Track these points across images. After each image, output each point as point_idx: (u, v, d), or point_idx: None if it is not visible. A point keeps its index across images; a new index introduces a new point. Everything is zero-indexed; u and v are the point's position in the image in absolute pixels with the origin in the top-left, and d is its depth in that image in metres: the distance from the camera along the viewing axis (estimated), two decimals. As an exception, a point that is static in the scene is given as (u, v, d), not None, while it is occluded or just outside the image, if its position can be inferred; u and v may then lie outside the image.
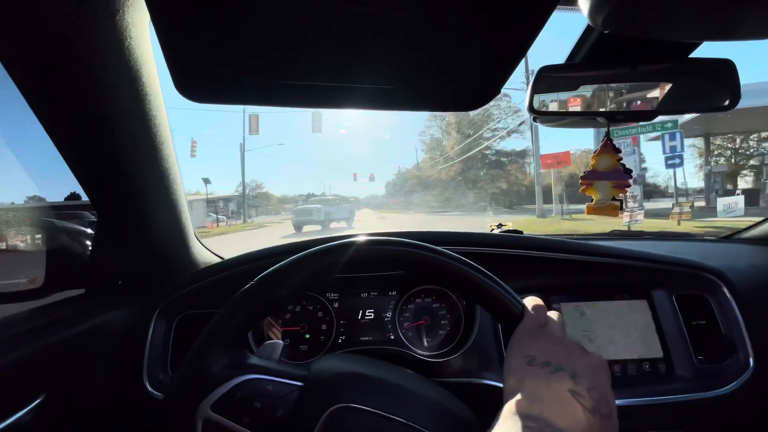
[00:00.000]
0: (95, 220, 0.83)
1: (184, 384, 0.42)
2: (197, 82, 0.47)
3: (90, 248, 0.83)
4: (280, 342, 0.51)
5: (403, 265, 0.49)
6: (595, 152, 0.82)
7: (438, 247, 0.49)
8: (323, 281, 0.48)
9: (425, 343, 0.85)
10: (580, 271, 0.85)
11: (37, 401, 0.58)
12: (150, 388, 0.70)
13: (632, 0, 0.48)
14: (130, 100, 0.64)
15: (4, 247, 0.85)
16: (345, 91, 0.53)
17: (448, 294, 0.89)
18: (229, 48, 0.44)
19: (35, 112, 0.60)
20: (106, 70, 0.57)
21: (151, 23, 0.58)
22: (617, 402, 0.70)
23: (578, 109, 0.74)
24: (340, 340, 0.85)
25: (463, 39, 0.51)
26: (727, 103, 0.67)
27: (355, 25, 0.46)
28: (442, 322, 0.87)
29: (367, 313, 0.87)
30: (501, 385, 0.52)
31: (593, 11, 0.52)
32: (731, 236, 1.34)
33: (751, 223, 1.28)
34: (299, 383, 0.44)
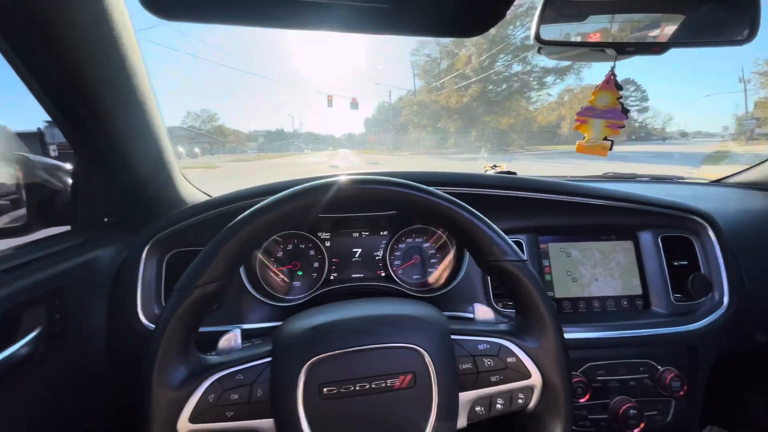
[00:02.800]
0: (73, 154, 0.79)
1: (155, 409, 0.41)
2: None
3: (71, 184, 0.80)
4: (236, 330, 0.51)
5: (387, 205, 0.48)
6: (596, 87, 0.79)
7: (422, 185, 0.48)
8: (306, 220, 0.46)
9: (414, 280, 0.87)
10: (570, 213, 0.85)
11: (34, 334, 0.59)
12: (146, 321, 0.72)
13: None
14: (94, 24, 0.58)
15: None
16: (333, 9, 0.48)
17: (440, 234, 0.89)
18: None
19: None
20: None
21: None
22: (594, 335, 0.75)
23: (586, 39, 0.69)
24: (332, 277, 0.87)
25: None
26: (744, 36, 0.62)
27: None
28: (432, 260, 0.89)
29: (358, 252, 0.88)
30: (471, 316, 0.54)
31: None
32: (723, 179, 1.36)
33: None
34: (267, 359, 0.45)
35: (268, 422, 0.43)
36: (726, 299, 0.81)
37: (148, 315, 0.73)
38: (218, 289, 0.44)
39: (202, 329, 0.46)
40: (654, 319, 0.80)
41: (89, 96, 0.64)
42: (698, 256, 0.85)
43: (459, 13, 0.54)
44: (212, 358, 0.46)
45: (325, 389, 0.42)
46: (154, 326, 0.71)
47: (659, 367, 0.78)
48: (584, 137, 0.81)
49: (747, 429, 1.07)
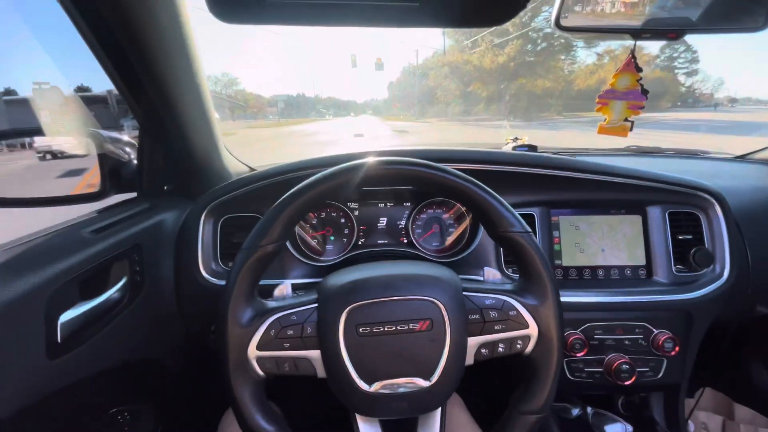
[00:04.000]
0: (136, 129, 0.91)
1: (231, 340, 0.53)
2: (229, 5, 0.50)
3: (136, 156, 0.92)
4: (288, 282, 0.62)
5: (410, 182, 0.57)
6: (617, 70, 0.82)
7: (441, 165, 0.56)
8: (337, 197, 0.56)
9: (433, 247, 0.97)
10: (581, 188, 0.91)
11: (122, 282, 0.74)
12: (206, 275, 0.86)
13: None
14: (166, 23, 0.68)
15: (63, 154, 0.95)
16: (369, 8, 0.54)
17: (457, 207, 0.98)
18: None
19: (84, 36, 0.65)
20: None
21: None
22: (596, 299, 0.83)
23: (606, 25, 0.72)
24: (360, 242, 0.97)
25: None
26: (760, 23, 0.65)
27: None
28: (450, 230, 0.98)
29: (383, 221, 0.98)
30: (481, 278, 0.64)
31: None
32: (747, 155, 1.35)
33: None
34: (314, 305, 0.56)
35: (315, 353, 0.55)
36: (726, 272, 0.86)
37: (208, 269, 0.86)
38: (276, 249, 0.55)
39: None
40: (655, 287, 0.87)
41: (157, 79, 0.74)
42: (703, 231, 0.90)
43: (483, 4, 0.60)
44: (271, 303, 0.57)
45: (360, 329, 0.53)
46: (212, 278, 0.85)
47: (654, 329, 0.86)
48: (605, 119, 0.85)
49: (742, 391, 1.15)
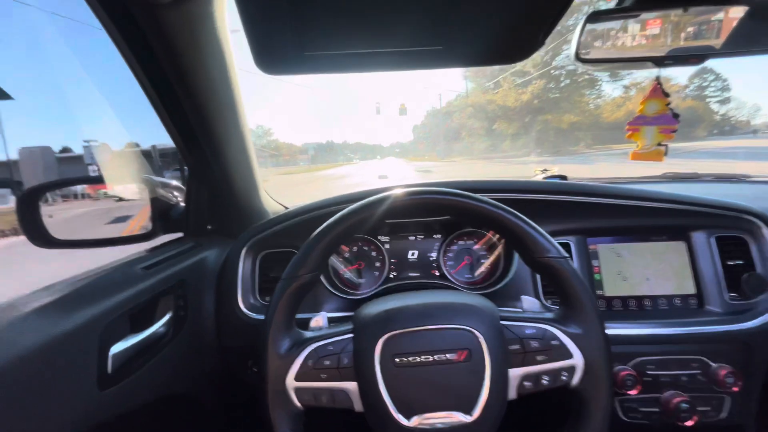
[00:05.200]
0: (185, 175, 0.99)
1: (270, 370, 0.55)
2: (273, 58, 0.56)
3: (183, 200, 1.00)
4: (324, 314, 0.64)
5: (443, 211, 0.58)
6: (644, 97, 0.83)
7: (473, 194, 0.57)
8: (368, 228, 0.58)
9: (466, 279, 0.96)
10: (619, 215, 0.89)
11: (167, 317, 0.77)
12: (244, 309, 0.88)
13: None
14: (218, 78, 0.77)
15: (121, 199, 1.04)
16: (398, 55, 0.59)
17: (489, 236, 0.97)
18: (298, 30, 0.51)
19: (148, 96, 0.74)
20: (195, 48, 0.68)
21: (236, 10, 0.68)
22: (645, 331, 0.78)
23: (626, 55, 0.74)
24: (391, 276, 0.98)
25: None
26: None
27: None
28: (482, 261, 0.97)
29: (414, 254, 0.99)
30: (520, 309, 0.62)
31: None
32: None
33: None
34: (350, 335, 0.57)
35: (352, 384, 0.54)
36: None
37: (246, 303, 0.89)
38: (312, 279, 0.57)
39: None
40: (708, 317, 0.81)
41: (208, 129, 0.82)
42: (753, 255, 0.84)
43: (501, 46, 0.64)
44: (308, 333, 0.58)
45: (396, 359, 0.53)
46: (250, 312, 0.88)
47: (712, 363, 0.79)
48: (637, 145, 0.85)
49: None
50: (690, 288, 0.86)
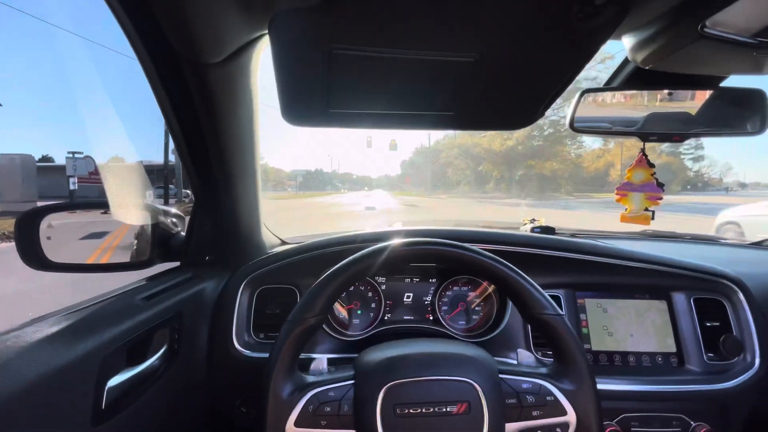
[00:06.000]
0: (188, 204, 1.00)
1: (270, 414, 0.55)
2: (300, 112, 0.60)
3: (183, 229, 1.00)
4: (324, 357, 0.64)
5: (443, 262, 0.61)
6: (629, 167, 0.90)
7: (473, 247, 0.60)
8: (373, 273, 0.60)
9: (460, 326, 0.98)
10: (605, 272, 0.94)
11: (162, 350, 0.76)
12: (238, 346, 0.87)
13: (670, 42, 0.56)
14: (245, 124, 0.80)
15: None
16: (414, 117, 0.65)
17: (485, 286, 1.00)
18: (327, 89, 0.56)
19: (169, 126, 0.76)
20: (231, 99, 0.72)
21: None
22: (630, 387, 0.81)
23: (615, 128, 0.82)
24: (386, 317, 0.99)
25: (515, 72, 0.61)
26: (756, 128, 0.73)
27: (426, 68, 0.57)
28: (476, 308, 0.99)
29: (409, 296, 1.01)
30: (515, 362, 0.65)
31: (634, 50, 0.60)
32: (762, 242, 1.37)
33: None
34: (351, 381, 0.58)
35: None
36: (758, 361, 0.85)
37: (240, 340, 0.88)
38: (318, 322, 0.58)
39: None
40: (688, 376, 0.85)
41: (223, 158, 0.84)
42: (730, 318, 0.90)
43: (506, 115, 0.70)
44: (310, 378, 0.59)
45: (398, 409, 0.54)
46: (244, 349, 0.87)
47: (692, 422, 0.82)
48: (626, 209, 0.91)
49: None
50: (671, 346, 0.90)
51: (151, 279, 0.88)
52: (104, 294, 0.74)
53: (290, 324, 0.58)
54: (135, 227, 0.99)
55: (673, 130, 0.79)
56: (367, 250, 0.61)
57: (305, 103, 0.58)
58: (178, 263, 1.00)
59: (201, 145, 0.81)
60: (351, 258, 0.60)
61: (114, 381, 0.62)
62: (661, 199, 0.81)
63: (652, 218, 0.81)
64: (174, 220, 1.05)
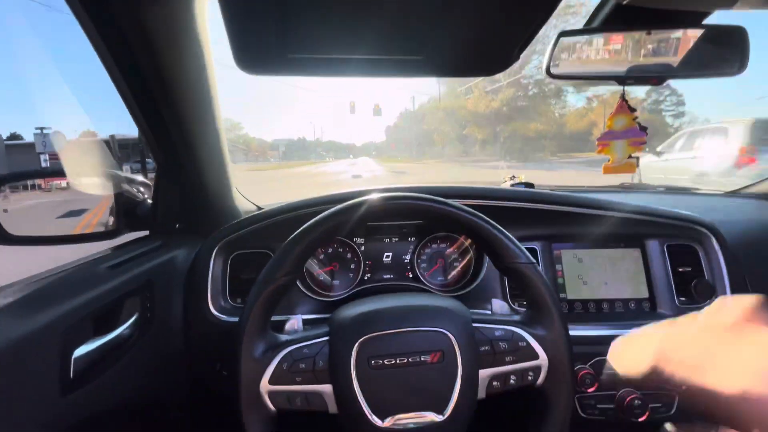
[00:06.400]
0: (153, 170, 0.96)
1: (244, 374, 0.54)
2: (253, 57, 0.55)
3: (150, 196, 0.96)
4: (299, 317, 0.63)
5: (417, 216, 0.60)
6: (610, 114, 0.88)
7: (448, 200, 0.59)
8: (347, 231, 0.59)
9: (438, 281, 0.98)
10: (581, 223, 0.94)
11: (132, 318, 0.74)
12: (214, 311, 0.86)
13: None
14: (195, 73, 0.75)
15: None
16: (380, 62, 0.61)
17: (461, 241, 1.00)
18: (282, 32, 0.51)
19: (117, 86, 0.70)
20: (175, 46, 0.66)
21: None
22: (603, 332, 0.83)
23: (592, 72, 0.79)
24: (366, 278, 0.99)
25: (487, 10, 0.57)
26: (735, 69, 0.71)
27: (392, 6, 0.52)
28: (455, 264, 1.00)
29: (389, 256, 1.00)
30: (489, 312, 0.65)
31: None
32: (738, 190, 1.40)
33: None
34: (326, 338, 0.57)
35: (327, 387, 0.55)
36: None
37: (216, 305, 0.87)
38: (290, 281, 0.57)
39: None
40: (659, 320, 0.87)
41: (181, 123, 0.79)
42: (702, 263, 0.92)
43: (479, 58, 0.66)
44: (283, 336, 0.58)
45: (372, 361, 0.54)
46: (220, 314, 0.86)
47: None
48: (609, 159, 0.90)
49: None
50: (644, 292, 0.93)
51: (118, 248, 0.84)
52: (66, 264, 0.71)
53: (260, 284, 0.56)
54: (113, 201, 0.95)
55: (652, 72, 0.76)
56: (337, 206, 0.59)
57: (259, 47, 0.53)
58: (147, 232, 0.97)
59: (150, 102, 0.76)
60: (322, 215, 0.58)
61: (81, 351, 0.60)
62: (644, 143, 0.79)
63: (637, 165, 0.80)
64: (141, 188, 1.00)
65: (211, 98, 0.81)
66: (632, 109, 0.85)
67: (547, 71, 0.77)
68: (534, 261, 0.59)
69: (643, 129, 0.86)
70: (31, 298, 0.58)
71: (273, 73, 0.59)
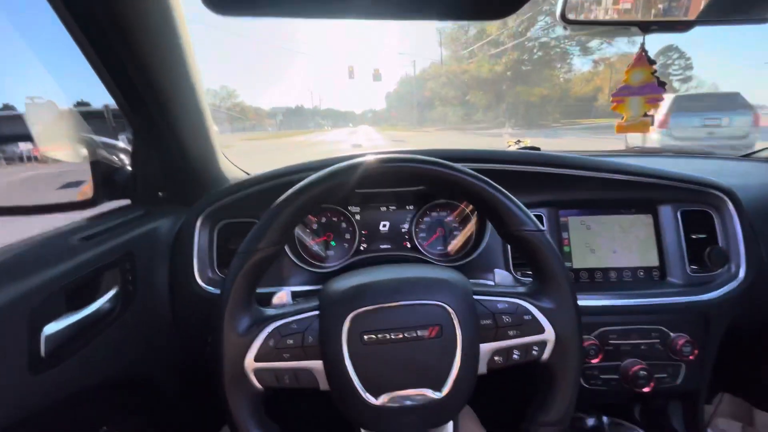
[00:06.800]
0: (130, 136, 0.89)
1: (227, 350, 0.50)
2: None
3: (130, 162, 0.89)
4: (287, 290, 0.59)
5: (416, 181, 0.55)
6: (628, 65, 0.80)
7: (449, 162, 0.53)
8: (338, 197, 0.53)
9: (438, 251, 0.94)
10: (590, 187, 0.88)
11: (112, 292, 0.70)
12: (201, 283, 0.82)
13: None
14: (161, 25, 0.67)
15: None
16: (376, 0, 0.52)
17: (462, 208, 0.94)
18: None
19: (78, 43, 0.62)
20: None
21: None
22: (609, 302, 0.79)
23: (612, 17, 0.70)
24: (362, 248, 0.94)
25: None
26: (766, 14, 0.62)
27: None
28: (455, 233, 0.94)
29: (386, 225, 0.95)
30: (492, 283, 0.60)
31: None
32: (751, 154, 1.33)
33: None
34: (315, 312, 0.53)
35: (317, 363, 0.51)
36: (742, 271, 0.83)
37: (203, 277, 0.83)
38: (274, 252, 0.51)
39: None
40: (669, 288, 0.84)
41: (153, 83, 0.72)
42: (717, 229, 0.87)
43: None
44: (270, 310, 0.54)
45: (365, 336, 0.50)
46: (208, 286, 0.82)
47: (671, 333, 0.82)
48: (623, 117, 0.82)
49: (762, 397, 1.10)
50: (653, 260, 0.88)
51: (93, 218, 0.79)
52: (32, 237, 0.66)
53: (242, 255, 0.51)
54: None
55: (677, 17, 0.67)
56: (327, 169, 0.53)
57: None
58: (128, 202, 0.91)
59: (116, 61, 0.68)
60: (309, 179, 0.52)
61: (53, 327, 0.56)
62: (661, 99, 0.72)
63: (652, 123, 0.73)
64: (121, 155, 0.94)
65: (183, 53, 0.73)
66: (652, 62, 0.76)
67: (562, 16, 0.69)
68: (543, 228, 0.53)
69: (662, 84, 0.78)
70: None
71: (244, 13, 0.51)
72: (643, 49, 0.72)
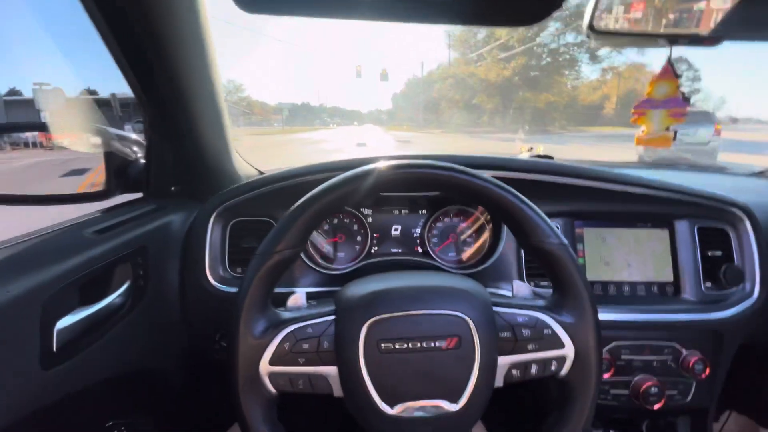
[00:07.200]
0: (135, 126, 0.88)
1: (242, 353, 0.49)
2: None
3: (144, 155, 0.89)
4: (303, 291, 0.58)
5: (436, 187, 0.54)
6: (652, 79, 0.78)
7: (471, 170, 0.52)
8: (357, 201, 0.53)
9: (450, 257, 0.93)
10: (607, 199, 0.87)
11: (125, 286, 0.69)
12: (212, 281, 0.81)
13: None
14: (185, 19, 0.67)
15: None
16: (399, 2, 0.51)
17: (477, 215, 0.94)
18: None
19: (100, 32, 0.62)
20: None
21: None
22: (622, 317, 0.78)
23: (640, 29, 0.69)
24: (373, 251, 0.93)
25: None
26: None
27: None
28: (468, 240, 0.93)
29: (398, 228, 0.94)
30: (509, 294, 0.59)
31: None
32: (765, 172, 1.32)
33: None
34: (332, 317, 0.52)
35: (332, 369, 0.50)
36: (757, 290, 0.82)
37: (215, 274, 0.82)
38: (293, 255, 0.51)
39: None
40: (683, 305, 0.83)
41: (172, 76, 0.71)
42: (733, 247, 0.86)
43: (517, 2, 0.56)
44: (286, 314, 0.53)
45: (382, 345, 0.49)
46: (219, 284, 0.81)
47: (683, 350, 0.81)
48: (643, 129, 0.81)
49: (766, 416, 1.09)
50: (668, 275, 0.87)
51: (107, 211, 0.78)
52: (45, 228, 0.65)
53: (260, 257, 0.50)
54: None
55: (706, 31, 0.66)
56: (346, 174, 0.52)
57: None
58: (140, 195, 0.91)
59: (138, 51, 0.68)
60: (329, 182, 0.52)
61: (65, 322, 0.56)
62: (685, 114, 0.71)
63: (674, 139, 0.72)
64: (134, 147, 0.93)
65: (204, 46, 0.72)
66: (677, 75, 0.75)
67: (590, 26, 0.68)
68: (566, 242, 0.52)
69: (687, 99, 0.77)
70: (6, 264, 0.53)
71: (275, 12, 0.50)
72: (669, 61, 0.71)
